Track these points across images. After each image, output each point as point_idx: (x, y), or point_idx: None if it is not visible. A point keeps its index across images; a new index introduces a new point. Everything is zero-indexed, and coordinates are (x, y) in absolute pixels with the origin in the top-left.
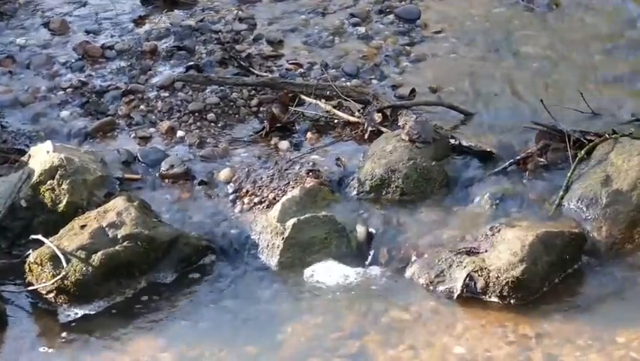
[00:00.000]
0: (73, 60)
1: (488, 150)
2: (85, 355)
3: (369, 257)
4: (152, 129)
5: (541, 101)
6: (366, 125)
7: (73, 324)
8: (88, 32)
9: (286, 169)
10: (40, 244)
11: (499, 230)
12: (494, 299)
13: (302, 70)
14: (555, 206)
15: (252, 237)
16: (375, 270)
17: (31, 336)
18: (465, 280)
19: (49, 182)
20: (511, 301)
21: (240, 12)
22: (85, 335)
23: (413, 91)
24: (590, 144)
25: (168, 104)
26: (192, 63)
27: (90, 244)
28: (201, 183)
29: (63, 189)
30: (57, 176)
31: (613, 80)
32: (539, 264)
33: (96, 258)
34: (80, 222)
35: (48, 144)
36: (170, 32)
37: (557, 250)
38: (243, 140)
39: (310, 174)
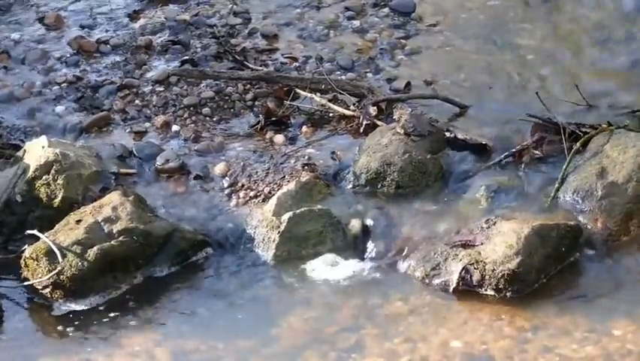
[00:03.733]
0: (68, 55)
1: (483, 142)
2: (81, 350)
3: (365, 250)
4: (147, 124)
5: (537, 93)
6: (361, 118)
7: (69, 319)
8: (83, 27)
9: (282, 163)
10: (36, 239)
11: (495, 223)
12: (490, 292)
13: (297, 64)
14: (551, 198)
15: (247, 231)
16: (371, 263)
17: (27, 331)
18: (461, 273)
19: (44, 177)
20: (507, 293)
21: (234, 6)
22: (81, 330)
23: (408, 84)
24: (586, 136)
25: (163, 99)
26: (187, 57)
27: (86, 238)
28: (197, 177)
29: (58, 184)
30: (52, 171)
31: (608, 72)
32: (535, 256)
33: (92, 253)
34: (76, 217)
35: (43, 139)
36: (165, 27)
37: (553, 243)
38: (239, 134)
39: (306, 167)
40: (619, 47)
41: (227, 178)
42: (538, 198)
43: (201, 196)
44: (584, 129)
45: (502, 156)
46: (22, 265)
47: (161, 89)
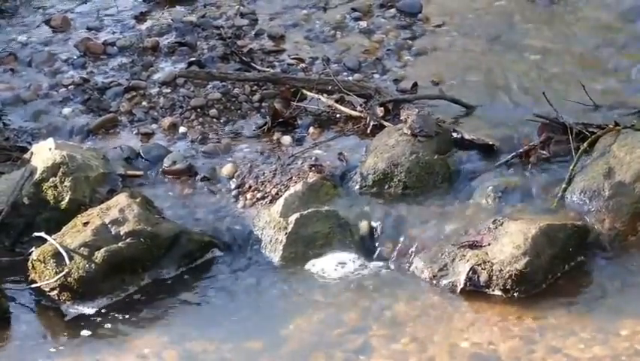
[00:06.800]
0: (74, 57)
1: (490, 143)
2: (88, 352)
3: (373, 251)
4: (154, 125)
5: (544, 93)
6: (368, 119)
7: (77, 321)
8: (89, 29)
9: (289, 164)
10: (43, 241)
11: (502, 223)
12: (498, 293)
13: (304, 65)
14: (558, 199)
15: (254, 232)
16: (378, 264)
17: (35, 334)
18: (468, 273)
19: (51, 179)
20: (515, 294)
21: (241, 7)
22: (88, 332)
23: (415, 85)
24: (593, 137)
25: (170, 100)
26: (194, 59)
27: (93, 240)
28: (204, 178)
29: (65, 186)
30: (59, 173)
31: (615, 72)
32: (542, 257)
33: (99, 255)
34: (83, 220)
35: (50, 142)
36: (172, 28)
37: (560, 243)
38: (246, 135)
39: (313, 168)
40: (626, 47)
41: (234, 180)
42: (545, 199)
43: (208, 198)
44: (590, 129)
45: (510, 157)
46: (30, 268)
47: (168, 90)
